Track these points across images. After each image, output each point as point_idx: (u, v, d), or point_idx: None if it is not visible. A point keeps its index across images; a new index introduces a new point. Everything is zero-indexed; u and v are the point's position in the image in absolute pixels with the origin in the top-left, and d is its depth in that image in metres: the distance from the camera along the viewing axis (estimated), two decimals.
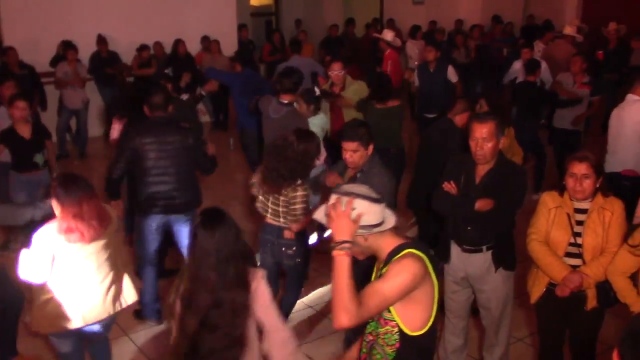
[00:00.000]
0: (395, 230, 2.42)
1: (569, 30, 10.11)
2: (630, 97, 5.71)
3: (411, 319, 2.35)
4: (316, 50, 12.93)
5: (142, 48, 10.61)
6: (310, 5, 16.64)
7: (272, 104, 5.56)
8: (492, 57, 11.08)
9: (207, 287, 2.59)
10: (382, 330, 2.40)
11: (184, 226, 4.80)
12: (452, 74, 8.09)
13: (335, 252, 2.23)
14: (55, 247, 3.32)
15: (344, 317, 2.15)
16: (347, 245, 2.22)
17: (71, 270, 3.40)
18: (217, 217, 2.65)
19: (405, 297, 2.28)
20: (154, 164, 4.61)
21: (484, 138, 3.56)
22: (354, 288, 2.20)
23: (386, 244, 2.38)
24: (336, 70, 6.50)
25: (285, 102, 5.42)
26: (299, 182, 4.20)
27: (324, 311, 5.05)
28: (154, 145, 4.59)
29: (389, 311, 2.35)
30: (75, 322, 3.47)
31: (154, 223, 4.75)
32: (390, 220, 2.38)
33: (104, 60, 10.40)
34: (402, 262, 2.28)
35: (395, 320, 2.36)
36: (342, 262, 2.21)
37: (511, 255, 3.85)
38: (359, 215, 2.27)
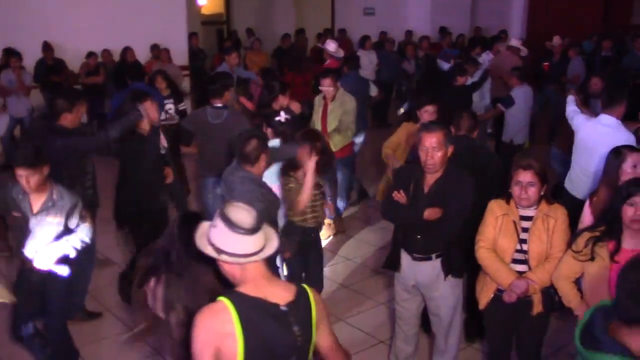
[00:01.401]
0: (263, 271, 2.31)
1: (514, 42, 10.45)
2: (608, 119, 4.90)
3: None
4: (269, 59, 12.93)
5: (90, 55, 10.42)
6: (262, 15, 16.64)
7: (208, 111, 5.60)
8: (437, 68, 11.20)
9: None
10: None
11: None
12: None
13: None
14: None
15: None
16: None
17: None
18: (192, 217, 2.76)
19: (217, 352, 2.19)
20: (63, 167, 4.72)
21: (433, 147, 3.61)
22: None
23: (238, 280, 2.29)
24: (325, 86, 6.50)
25: (220, 105, 5.47)
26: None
27: None
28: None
29: None
30: None
31: None
32: (253, 258, 2.26)
33: (50, 68, 10.16)
34: (195, 321, 2.20)
35: None
36: None
37: (460, 262, 3.91)
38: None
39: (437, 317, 3.98)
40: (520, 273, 3.55)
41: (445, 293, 3.88)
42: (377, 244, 6.54)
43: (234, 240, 2.23)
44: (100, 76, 10.35)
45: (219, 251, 2.24)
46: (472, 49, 11.36)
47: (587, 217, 3.93)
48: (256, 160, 4.05)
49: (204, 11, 16.94)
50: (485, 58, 10.81)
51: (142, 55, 10.83)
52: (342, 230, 6.94)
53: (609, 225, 3.21)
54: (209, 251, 2.26)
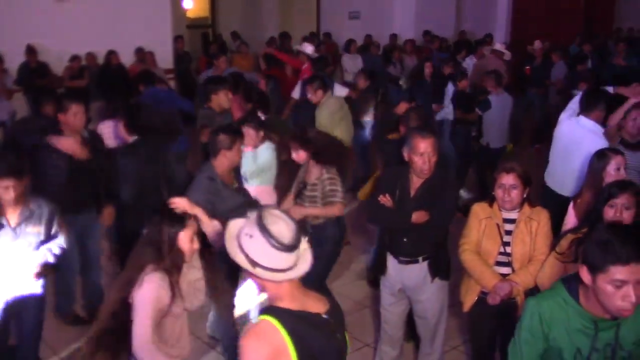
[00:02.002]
0: (296, 288, 2.18)
1: (498, 46, 10.55)
2: (587, 121, 4.87)
3: None
4: (256, 63, 12.90)
5: (74, 58, 10.35)
6: (247, 18, 16.62)
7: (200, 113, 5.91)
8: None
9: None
10: None
11: None
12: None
13: None
14: None
15: None
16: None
17: None
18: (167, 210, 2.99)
19: None
20: None
21: (428, 152, 3.64)
22: None
23: (273, 298, 2.18)
24: (308, 94, 6.47)
25: (205, 107, 5.72)
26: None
27: None
28: None
29: None
30: None
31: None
32: (290, 274, 2.13)
33: (33, 71, 10.07)
34: (243, 346, 2.07)
35: None
36: None
37: (447, 264, 3.93)
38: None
39: (424, 319, 3.99)
40: (504, 275, 3.58)
41: (432, 295, 3.89)
42: (362, 248, 6.54)
43: (271, 253, 2.09)
44: (84, 80, 10.27)
45: (254, 264, 2.10)
46: (458, 53, 11.41)
47: (571, 219, 3.96)
48: (217, 154, 4.06)
49: (190, 14, 16.89)
50: (469, 62, 10.87)
51: (127, 58, 10.77)
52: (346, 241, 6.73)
53: (592, 227, 3.23)
54: (241, 260, 2.12)
